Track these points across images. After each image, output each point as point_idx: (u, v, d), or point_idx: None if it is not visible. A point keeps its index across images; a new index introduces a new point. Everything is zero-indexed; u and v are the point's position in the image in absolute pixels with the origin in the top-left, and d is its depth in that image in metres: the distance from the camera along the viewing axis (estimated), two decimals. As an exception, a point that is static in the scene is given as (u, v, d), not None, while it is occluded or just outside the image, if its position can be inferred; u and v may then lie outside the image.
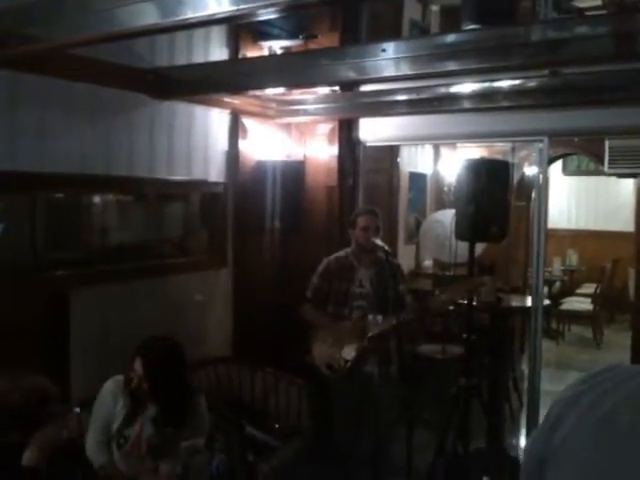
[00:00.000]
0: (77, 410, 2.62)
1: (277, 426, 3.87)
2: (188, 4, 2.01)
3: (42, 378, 2.27)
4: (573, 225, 10.06)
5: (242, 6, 1.91)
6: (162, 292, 3.85)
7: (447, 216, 4.29)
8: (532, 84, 3.61)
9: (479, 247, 4.16)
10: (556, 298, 8.55)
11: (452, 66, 2.84)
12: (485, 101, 3.83)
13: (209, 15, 2.01)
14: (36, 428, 2.13)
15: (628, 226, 9.25)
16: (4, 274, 3.04)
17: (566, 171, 9.93)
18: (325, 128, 4.52)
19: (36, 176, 3.12)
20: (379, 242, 3.75)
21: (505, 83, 3.61)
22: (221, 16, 2.00)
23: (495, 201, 3.70)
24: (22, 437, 2.11)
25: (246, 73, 3.35)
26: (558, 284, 9.19)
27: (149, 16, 2.12)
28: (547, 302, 5.31)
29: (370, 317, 3.65)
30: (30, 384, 2.19)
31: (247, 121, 4.34)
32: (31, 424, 2.12)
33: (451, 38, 2.80)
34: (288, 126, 4.58)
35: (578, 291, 9.09)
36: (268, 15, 1.92)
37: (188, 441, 2.60)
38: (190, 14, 2.03)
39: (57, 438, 2.21)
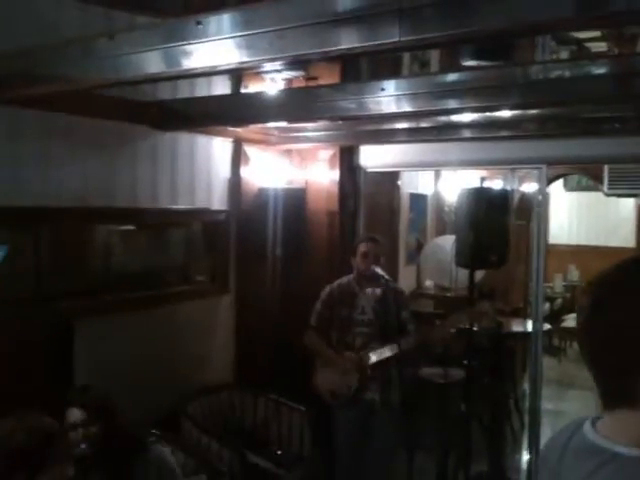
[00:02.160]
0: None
1: (279, 453, 3.90)
2: (193, 55, 2.04)
3: (46, 417, 2.28)
4: (574, 240, 10.07)
5: (246, 59, 1.95)
6: (166, 320, 3.87)
7: (448, 242, 4.33)
8: (531, 113, 3.65)
9: (479, 273, 4.19)
10: (558, 315, 8.56)
11: (452, 104, 2.89)
12: (485, 130, 3.88)
13: (213, 67, 2.05)
14: (41, 468, 2.13)
15: (629, 242, 9.30)
16: (9, 306, 3.07)
17: (567, 187, 9.95)
18: (326, 154, 4.57)
19: (40, 210, 3.16)
20: (379, 270, 3.79)
21: (505, 113, 3.65)
22: (225, 68, 2.04)
23: (494, 229, 3.75)
24: (27, 478, 2.11)
25: (248, 107, 3.39)
26: (560, 301, 9.19)
27: (154, 65, 2.16)
28: (547, 326, 5.33)
29: (372, 345, 3.68)
30: (34, 423, 2.20)
31: (249, 148, 4.38)
32: (36, 464, 2.13)
33: (450, 77, 2.84)
34: (289, 152, 4.62)
35: (579, 307, 9.08)
36: (272, 67, 1.95)
37: None
38: (195, 65, 2.07)
39: (65, 477, 2.20)
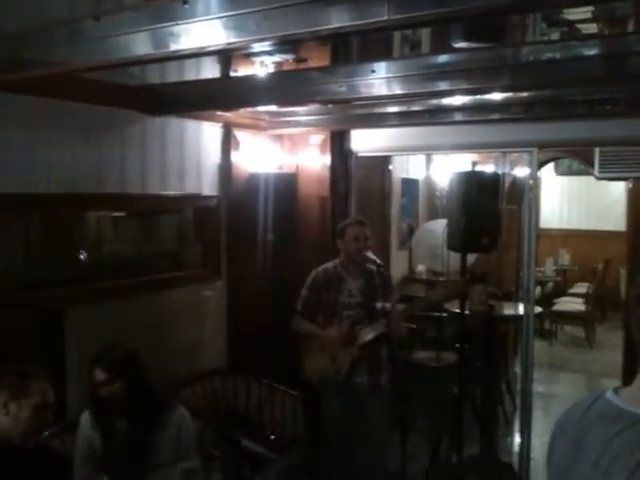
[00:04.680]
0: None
1: (272, 437, 3.91)
2: (180, 36, 2.02)
3: None
4: (565, 225, 10.11)
5: (233, 40, 1.93)
6: (157, 306, 3.86)
7: (439, 226, 4.34)
8: (522, 96, 3.64)
9: (471, 256, 4.21)
10: (549, 298, 8.61)
11: (443, 86, 2.87)
12: (476, 113, 3.86)
13: (201, 47, 2.03)
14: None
15: (619, 225, 9.32)
16: (-2, 294, 3.05)
17: (558, 171, 9.98)
18: (317, 139, 4.56)
19: (28, 197, 3.13)
20: (370, 254, 3.78)
21: (496, 96, 3.64)
22: (213, 49, 2.02)
23: (485, 213, 3.76)
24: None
25: (238, 90, 3.37)
26: (551, 284, 9.24)
27: (141, 47, 2.13)
28: (539, 309, 5.36)
29: (359, 326, 3.68)
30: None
31: (239, 133, 4.35)
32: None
33: (441, 59, 2.83)
34: (280, 137, 4.60)
35: (570, 291, 9.14)
36: (260, 48, 1.93)
37: (185, 463, 2.62)
38: (182, 46, 2.05)
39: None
